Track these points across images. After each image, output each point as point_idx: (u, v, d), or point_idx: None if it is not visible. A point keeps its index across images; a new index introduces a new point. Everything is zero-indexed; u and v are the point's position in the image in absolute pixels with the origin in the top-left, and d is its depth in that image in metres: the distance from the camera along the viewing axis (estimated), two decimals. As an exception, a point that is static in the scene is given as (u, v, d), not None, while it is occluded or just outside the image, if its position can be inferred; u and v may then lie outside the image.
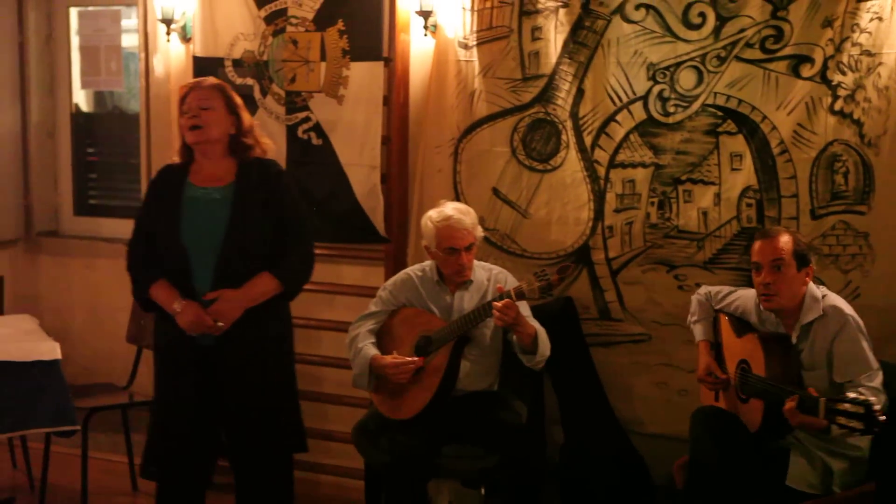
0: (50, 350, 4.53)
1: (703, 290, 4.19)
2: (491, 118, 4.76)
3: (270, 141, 4.09)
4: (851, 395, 3.34)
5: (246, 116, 3.98)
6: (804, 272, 3.79)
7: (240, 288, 3.82)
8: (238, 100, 3.99)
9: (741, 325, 3.98)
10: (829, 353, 3.71)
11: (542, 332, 4.08)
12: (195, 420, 3.91)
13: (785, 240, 3.79)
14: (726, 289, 4.14)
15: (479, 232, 4.22)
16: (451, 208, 4.18)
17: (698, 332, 4.12)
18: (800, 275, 3.78)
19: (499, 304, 3.93)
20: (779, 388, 3.62)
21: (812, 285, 3.82)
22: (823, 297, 3.79)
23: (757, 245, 3.84)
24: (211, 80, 4.01)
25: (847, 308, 3.76)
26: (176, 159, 4.00)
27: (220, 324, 3.81)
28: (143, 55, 5.66)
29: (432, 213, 4.20)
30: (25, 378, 4.46)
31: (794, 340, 3.78)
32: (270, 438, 3.95)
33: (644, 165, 4.51)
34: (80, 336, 6.12)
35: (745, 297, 4.03)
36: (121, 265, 5.90)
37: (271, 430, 3.94)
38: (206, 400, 3.90)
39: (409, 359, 4.11)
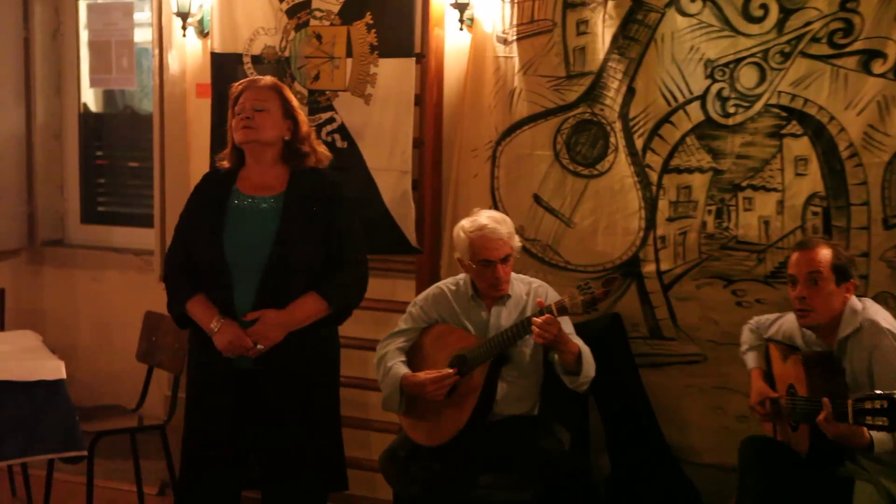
0: (54, 369, 4.55)
1: (755, 320, 4.22)
2: (532, 119, 4.76)
3: (327, 150, 4.08)
4: (877, 392, 3.32)
5: (304, 121, 3.98)
6: (844, 287, 3.78)
7: (284, 309, 3.82)
8: (296, 103, 3.99)
9: (787, 349, 3.99)
10: (869, 368, 3.69)
11: (586, 351, 4.07)
12: (227, 447, 3.90)
13: (824, 252, 3.78)
14: (773, 315, 4.16)
15: (517, 242, 4.22)
16: (485, 217, 4.19)
17: (750, 360, 4.14)
18: (839, 290, 3.78)
19: (538, 319, 3.92)
20: (816, 402, 3.60)
21: (854, 299, 3.80)
22: (862, 309, 3.77)
23: (794, 256, 3.86)
24: (268, 79, 4.00)
25: (886, 320, 3.74)
26: (225, 164, 4.00)
27: (260, 346, 3.81)
28: (156, 51, 5.68)
29: (465, 223, 4.21)
30: (27, 399, 4.48)
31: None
32: (308, 474, 3.93)
33: (701, 170, 4.50)
34: (87, 354, 6.15)
35: (790, 319, 4.03)
36: (130, 277, 6.02)
37: (309, 465, 3.92)
38: (240, 427, 3.88)
39: (445, 371, 4.11)
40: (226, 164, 3.99)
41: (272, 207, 3.87)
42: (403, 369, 4.19)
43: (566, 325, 4.10)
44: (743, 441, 3.95)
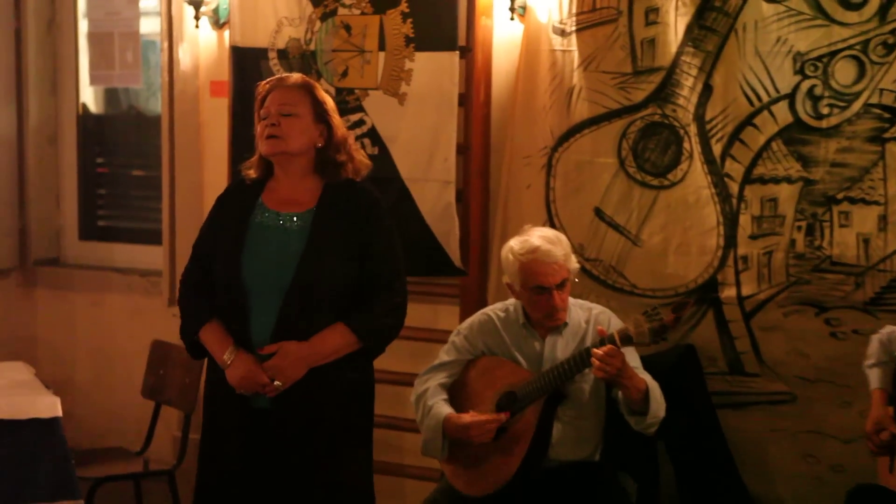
0: (48, 406, 4.58)
1: (888, 329, 4.13)
2: (593, 122, 4.77)
3: (366, 157, 4.07)
4: None
5: (339, 125, 3.97)
6: None
7: (306, 341, 3.81)
8: (330, 104, 3.98)
9: None
10: None
11: (654, 388, 4.05)
12: (238, 497, 3.89)
13: None
14: None
15: (574, 264, 4.21)
16: (537, 237, 4.18)
17: (874, 378, 4.07)
18: None
19: (599, 350, 3.91)
20: None
21: None
22: None
23: None
24: (297, 76, 4.00)
25: None
26: (251, 174, 4.01)
27: (277, 383, 3.80)
28: (165, 44, 5.75)
29: (514, 244, 4.20)
30: (18, 440, 4.52)
31: None
32: None
33: (789, 180, 4.49)
34: (86, 389, 6.20)
35: None
36: (135, 301, 6.06)
37: None
38: (253, 476, 3.87)
39: (493, 416, 4.11)
40: (252, 173, 4.00)
41: (299, 226, 3.87)
42: (446, 409, 4.19)
43: (631, 357, 4.08)
44: (850, 492, 3.91)
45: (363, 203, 3.92)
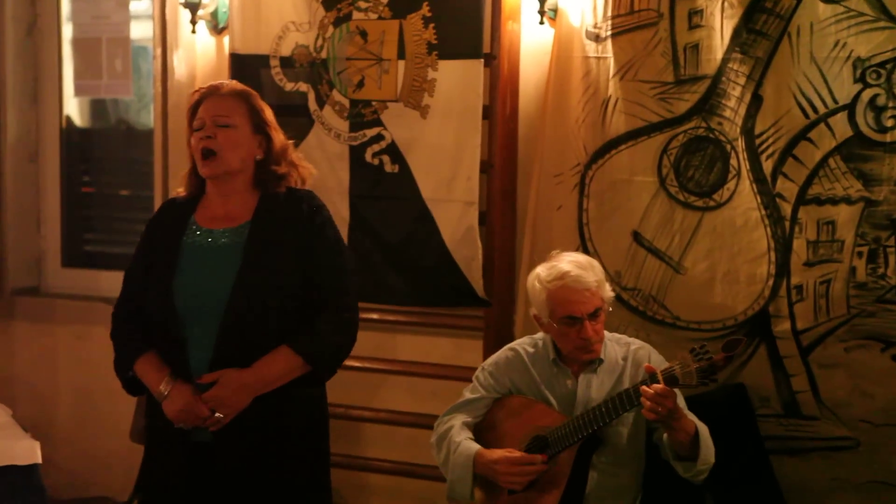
0: (27, 451, 4.68)
1: None
2: (631, 136, 4.82)
3: (311, 167, 4.13)
4: None
5: (277, 136, 4.03)
6: None
7: (248, 368, 3.86)
8: (268, 113, 4.04)
9: None
10: None
11: (704, 431, 4.05)
12: None
13: None
14: None
15: (608, 292, 4.21)
16: (566, 262, 4.18)
17: None
18: None
19: (650, 389, 3.89)
20: None
21: None
22: None
23: None
24: (232, 84, 4.06)
25: None
26: (181, 192, 4.08)
27: (219, 415, 3.85)
28: (158, 51, 5.82)
29: (540, 271, 4.22)
30: (-7, 488, 4.59)
31: None
32: None
33: (849, 201, 4.52)
34: (68, 432, 6.25)
35: None
36: None
37: None
38: None
39: (531, 455, 4.11)
40: (181, 191, 4.07)
41: (233, 242, 3.93)
42: (476, 445, 4.21)
43: (678, 397, 4.05)
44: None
45: (304, 210, 3.97)
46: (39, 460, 4.66)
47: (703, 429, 4.04)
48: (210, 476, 3.89)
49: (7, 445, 4.68)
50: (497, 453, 4.14)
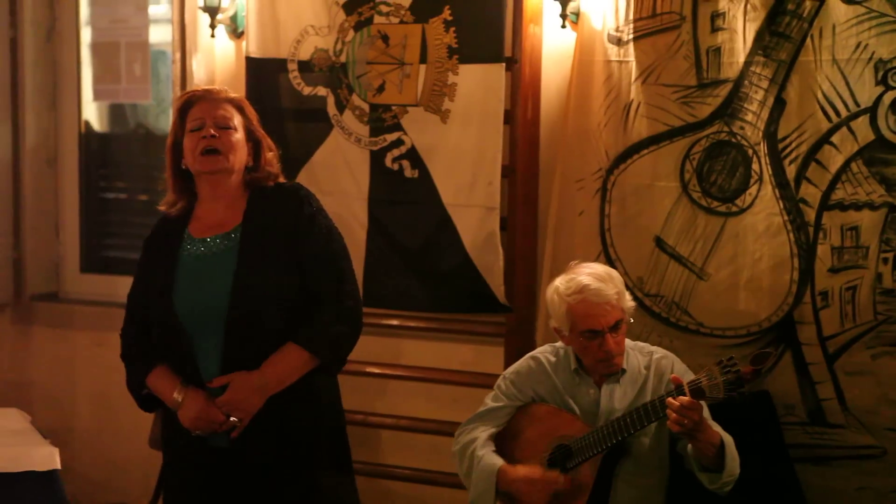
0: (45, 458, 4.68)
1: None
2: (654, 141, 4.83)
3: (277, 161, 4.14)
4: None
5: (266, 142, 4.07)
6: None
7: (257, 369, 3.89)
8: (255, 118, 4.08)
9: None
10: None
11: (729, 442, 4.04)
12: None
13: None
14: None
15: (628, 302, 4.19)
16: (585, 275, 4.17)
17: None
18: None
19: (676, 401, 3.88)
20: None
21: None
22: None
23: None
24: (225, 91, 4.09)
25: None
26: (172, 212, 4.08)
27: (233, 419, 3.88)
28: (177, 55, 5.84)
29: (559, 284, 4.21)
30: (11, 496, 4.63)
31: None
32: None
33: (872, 206, 4.52)
34: (87, 438, 6.29)
35: None
36: None
37: None
38: None
39: (550, 475, 4.13)
40: (172, 212, 4.08)
41: (227, 247, 3.96)
42: (499, 460, 4.22)
43: (703, 409, 4.05)
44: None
45: (293, 204, 4.01)
46: (58, 466, 4.67)
47: (729, 440, 4.04)
48: (231, 480, 3.93)
49: (26, 451, 4.69)
50: (519, 472, 4.15)
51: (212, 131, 3.93)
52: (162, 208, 4.11)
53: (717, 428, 4.04)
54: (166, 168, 4.08)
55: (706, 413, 4.09)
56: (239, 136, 3.98)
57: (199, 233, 4.00)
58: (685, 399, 3.85)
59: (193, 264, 3.97)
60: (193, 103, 4.00)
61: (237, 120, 3.99)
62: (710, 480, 4.04)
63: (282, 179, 4.10)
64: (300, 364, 3.92)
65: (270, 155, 4.06)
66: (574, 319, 4.13)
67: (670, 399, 3.90)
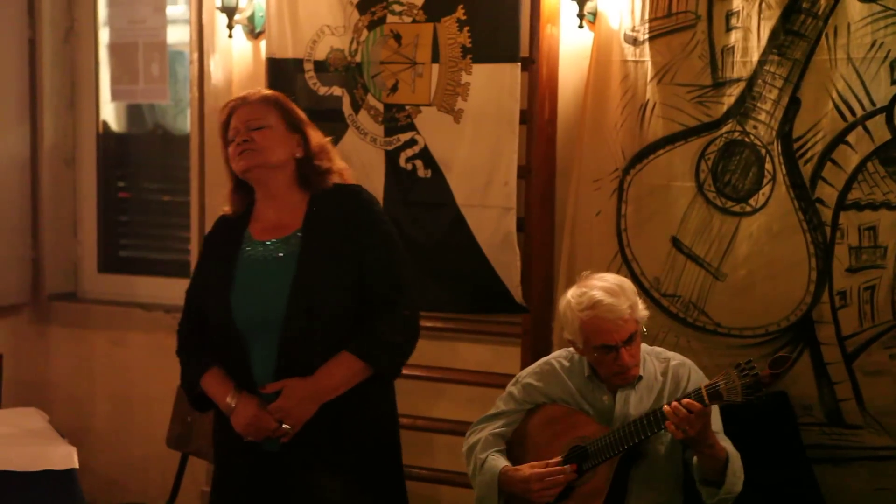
0: (63, 457, 4.73)
1: None
2: (669, 140, 4.85)
3: (345, 165, 4.16)
4: None
5: (314, 134, 4.07)
6: None
7: (311, 376, 3.92)
8: (301, 114, 4.10)
9: None
10: None
11: (734, 459, 4.04)
12: None
13: None
14: None
15: (642, 312, 4.18)
16: (597, 289, 4.14)
17: None
18: None
19: (670, 408, 3.89)
20: None
21: None
22: None
23: None
24: (260, 91, 4.12)
25: None
26: (227, 210, 4.14)
27: (286, 426, 3.90)
28: (195, 56, 5.91)
29: (572, 298, 4.19)
30: (30, 495, 4.68)
31: None
32: None
33: (889, 206, 4.53)
34: (105, 438, 6.34)
35: None
36: (160, 340, 6.13)
37: None
38: None
39: (556, 467, 4.12)
40: (228, 210, 4.13)
41: (287, 251, 3.97)
42: (502, 461, 4.23)
43: (713, 418, 4.06)
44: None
45: (354, 208, 4.01)
46: (76, 465, 4.71)
47: (735, 457, 4.04)
48: (279, 485, 3.95)
49: (44, 451, 4.73)
50: (523, 472, 4.16)
51: (243, 137, 3.96)
52: (225, 209, 4.15)
53: (725, 444, 4.04)
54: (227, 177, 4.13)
55: (718, 426, 4.11)
56: (277, 130, 3.99)
57: (259, 234, 4.03)
58: (682, 411, 3.87)
59: (252, 266, 3.99)
60: (232, 114, 4.03)
61: (272, 117, 4.00)
62: (708, 495, 4.04)
63: (346, 175, 4.11)
64: (355, 372, 3.93)
65: (318, 143, 4.06)
66: (587, 335, 4.13)
67: (666, 407, 3.92)
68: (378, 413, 4.07)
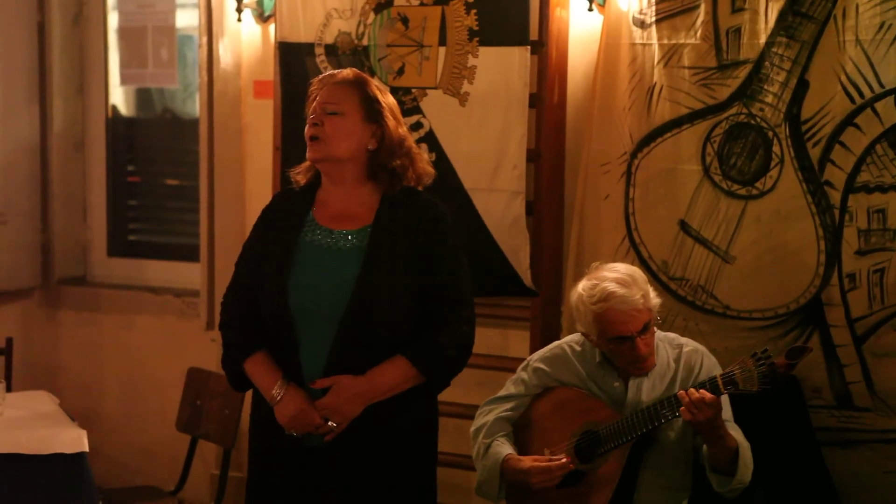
0: (73, 440, 4.73)
1: None
2: (676, 124, 4.87)
3: (430, 165, 4.05)
4: None
5: (395, 125, 3.94)
6: None
7: (363, 375, 3.84)
8: (388, 101, 3.96)
9: None
10: None
11: (745, 449, 4.03)
12: None
13: None
14: None
15: (655, 300, 4.16)
16: (609, 281, 4.11)
17: None
18: None
19: (687, 396, 3.89)
20: None
21: None
22: None
23: None
24: (348, 72, 4.01)
25: None
26: (300, 179, 4.06)
27: (332, 424, 3.85)
28: (204, 40, 5.94)
29: (583, 291, 4.16)
30: (40, 478, 4.69)
31: None
32: None
33: (898, 188, 4.55)
34: (114, 421, 6.38)
35: None
36: (169, 323, 6.19)
37: None
38: None
39: (557, 462, 4.13)
40: (300, 179, 4.05)
41: (354, 245, 3.89)
42: (506, 449, 4.23)
43: (725, 409, 4.06)
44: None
45: (426, 218, 3.93)
46: (86, 449, 4.71)
47: (745, 447, 4.04)
48: (320, 481, 3.90)
49: (54, 434, 4.73)
50: (525, 463, 4.15)
51: (316, 119, 3.89)
52: (294, 172, 4.07)
53: (735, 433, 4.05)
54: None
55: (728, 415, 4.11)
56: (350, 118, 3.89)
57: (325, 221, 3.95)
58: (696, 396, 3.87)
59: (315, 252, 3.91)
60: (318, 91, 3.96)
61: (350, 103, 3.90)
62: (718, 483, 4.05)
63: (425, 179, 4.03)
64: (407, 379, 3.87)
65: (397, 137, 3.94)
66: (602, 327, 4.10)
67: (682, 392, 3.93)
68: (421, 422, 4.03)
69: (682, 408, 3.90)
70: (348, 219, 3.93)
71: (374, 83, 3.99)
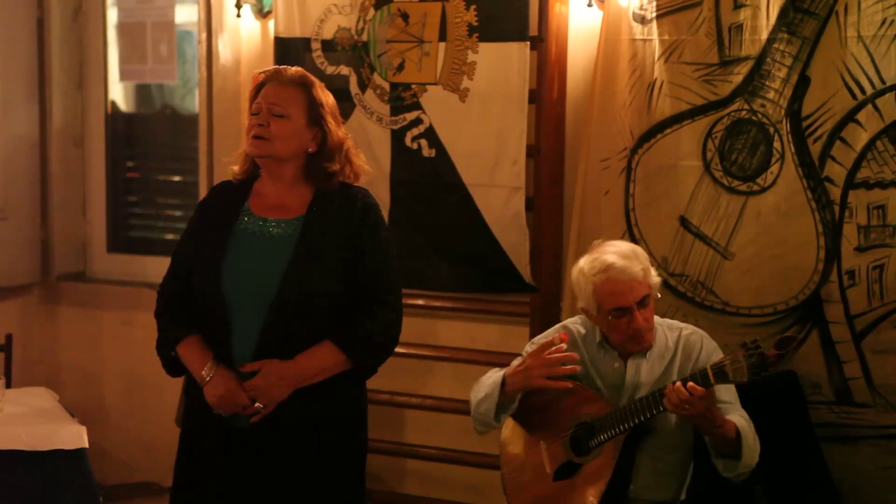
0: (73, 436, 4.73)
1: None
2: (676, 120, 4.86)
3: (366, 163, 4.14)
4: None
5: (334, 128, 4.02)
6: None
7: (291, 360, 3.93)
8: (328, 104, 4.05)
9: None
10: None
11: (748, 433, 4.04)
12: None
13: None
14: None
15: (654, 277, 4.19)
16: (609, 253, 4.16)
17: None
18: None
19: (674, 394, 3.87)
20: None
21: None
22: None
23: None
24: (294, 71, 4.07)
25: None
26: (235, 170, 4.13)
27: (258, 405, 3.92)
28: (203, 35, 5.91)
29: (584, 265, 4.21)
30: (40, 474, 4.68)
31: None
32: None
33: (898, 185, 4.54)
34: (115, 417, 6.37)
35: None
36: None
37: None
38: (230, 499, 3.99)
39: (554, 343, 4.13)
40: (236, 169, 4.12)
41: (286, 233, 3.98)
42: (504, 371, 4.24)
43: (727, 391, 4.09)
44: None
45: (356, 209, 4.01)
46: (86, 445, 4.71)
47: (747, 433, 4.03)
48: (245, 462, 3.97)
49: (54, 430, 4.74)
50: (522, 363, 4.18)
51: (262, 119, 3.94)
52: (234, 168, 4.13)
53: (734, 416, 4.04)
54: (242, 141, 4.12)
55: (731, 396, 4.12)
56: (295, 123, 3.96)
57: (260, 211, 4.03)
58: (684, 393, 3.86)
59: (248, 239, 3.99)
60: (264, 84, 4.01)
61: (296, 106, 3.98)
62: (724, 468, 4.06)
63: (362, 177, 4.10)
64: (334, 364, 3.94)
65: (337, 140, 4.02)
66: (601, 298, 4.13)
67: (669, 388, 3.92)
68: (348, 410, 4.08)
69: (669, 404, 3.90)
70: (282, 209, 4.02)
71: (318, 85, 4.06)
